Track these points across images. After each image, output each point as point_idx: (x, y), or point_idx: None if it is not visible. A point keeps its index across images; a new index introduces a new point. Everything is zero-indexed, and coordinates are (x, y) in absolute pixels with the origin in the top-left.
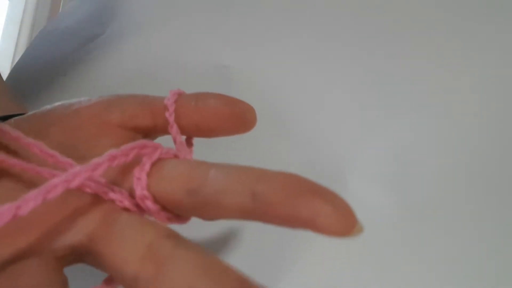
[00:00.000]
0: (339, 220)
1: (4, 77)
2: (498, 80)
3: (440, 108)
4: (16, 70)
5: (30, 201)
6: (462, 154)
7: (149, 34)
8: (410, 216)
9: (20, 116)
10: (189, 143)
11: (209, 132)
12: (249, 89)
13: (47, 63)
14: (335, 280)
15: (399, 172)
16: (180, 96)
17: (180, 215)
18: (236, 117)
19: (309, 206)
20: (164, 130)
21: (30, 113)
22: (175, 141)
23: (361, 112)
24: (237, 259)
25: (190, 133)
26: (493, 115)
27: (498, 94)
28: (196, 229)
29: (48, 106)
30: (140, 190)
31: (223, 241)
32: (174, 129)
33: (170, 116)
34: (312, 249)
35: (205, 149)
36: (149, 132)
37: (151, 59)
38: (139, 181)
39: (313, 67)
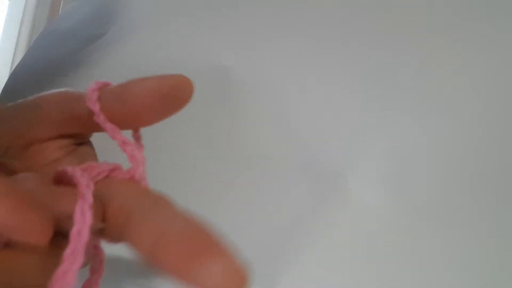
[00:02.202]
0: (225, 279)
1: (5, 77)
2: (498, 80)
3: (440, 108)
4: (17, 71)
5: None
6: (462, 154)
7: (150, 34)
8: (409, 216)
9: None
10: (136, 137)
11: (148, 121)
12: (249, 89)
13: (48, 64)
14: (335, 280)
15: (399, 172)
16: (102, 92)
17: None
18: (170, 98)
19: (196, 262)
20: (95, 130)
21: None
22: (114, 138)
23: (361, 112)
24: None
25: (129, 127)
26: (493, 115)
27: (498, 94)
28: None
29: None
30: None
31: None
32: (108, 127)
33: (99, 118)
34: (312, 249)
35: (209, 147)
36: (82, 135)
37: (151, 60)
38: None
39: (313, 67)
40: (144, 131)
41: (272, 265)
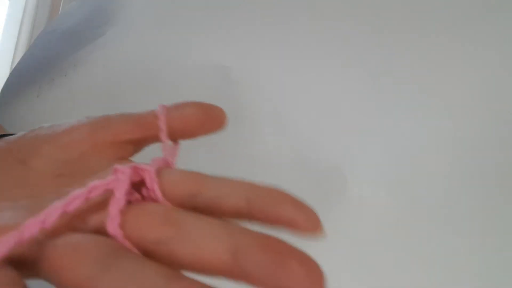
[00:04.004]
0: (308, 222)
1: (5, 77)
2: (499, 79)
3: (440, 107)
4: (16, 71)
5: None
6: (462, 154)
7: (149, 34)
8: (409, 215)
9: (9, 136)
10: (175, 143)
11: (191, 134)
12: (249, 89)
13: (47, 63)
14: (335, 280)
15: (399, 172)
16: (165, 107)
17: None
18: (210, 120)
19: (289, 211)
20: (153, 139)
21: (19, 133)
22: (164, 144)
23: (361, 112)
24: None
25: (176, 137)
26: (493, 115)
27: (498, 94)
28: None
29: (35, 128)
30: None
31: None
32: (164, 133)
33: (162, 124)
34: (312, 249)
35: (209, 147)
36: (138, 144)
37: (151, 60)
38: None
39: (313, 67)
40: None
41: None
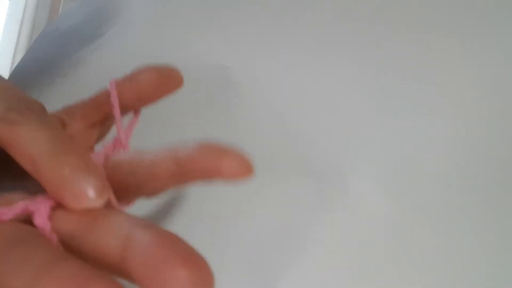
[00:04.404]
0: (237, 165)
1: (5, 77)
2: (498, 80)
3: (440, 108)
4: (17, 71)
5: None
6: (462, 154)
7: (149, 34)
8: (410, 216)
9: None
10: (136, 113)
11: (149, 100)
12: (249, 89)
13: (48, 64)
14: (335, 280)
15: (399, 172)
16: (117, 82)
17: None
18: (165, 81)
19: (217, 159)
20: (111, 116)
21: None
22: (116, 119)
23: (361, 112)
24: (237, 259)
25: (135, 107)
26: (493, 115)
27: (498, 94)
28: (197, 232)
29: None
30: None
31: (223, 243)
32: (116, 109)
33: (114, 100)
34: (312, 249)
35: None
36: (102, 125)
37: (151, 60)
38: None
39: (313, 67)
40: (145, 131)
41: (272, 265)
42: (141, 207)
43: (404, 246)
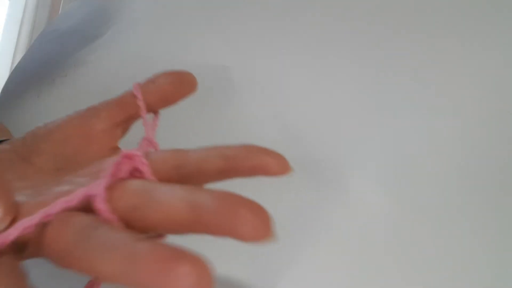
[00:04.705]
0: (280, 164)
1: (5, 77)
2: (498, 80)
3: (440, 107)
4: (16, 71)
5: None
6: (462, 154)
7: (149, 34)
8: (410, 215)
9: (9, 140)
10: (156, 115)
11: (168, 102)
12: (249, 89)
13: (48, 64)
14: (335, 280)
15: (399, 172)
16: (140, 85)
17: None
18: (182, 85)
19: (262, 159)
20: (135, 117)
21: (18, 137)
22: (144, 120)
23: (361, 112)
24: (237, 259)
25: (156, 108)
26: (493, 115)
27: (498, 94)
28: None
29: (29, 130)
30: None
31: (223, 243)
32: (143, 110)
33: (140, 101)
34: (312, 249)
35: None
36: (125, 125)
37: (151, 60)
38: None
39: (313, 67)
40: (144, 131)
41: (272, 265)
42: None
43: (404, 246)
